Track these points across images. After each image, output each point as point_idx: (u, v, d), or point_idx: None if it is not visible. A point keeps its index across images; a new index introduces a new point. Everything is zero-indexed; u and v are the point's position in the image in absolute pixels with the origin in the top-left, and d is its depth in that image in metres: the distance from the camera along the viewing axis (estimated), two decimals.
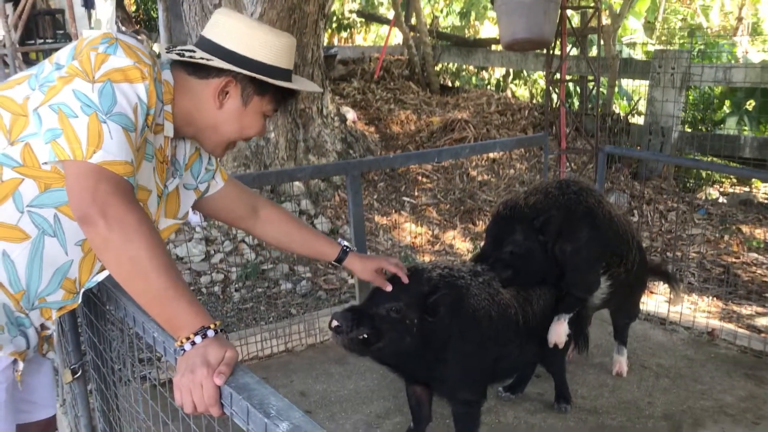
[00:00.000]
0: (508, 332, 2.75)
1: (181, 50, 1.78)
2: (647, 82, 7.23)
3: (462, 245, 5.88)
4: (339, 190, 6.40)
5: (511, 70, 9.35)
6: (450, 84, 9.30)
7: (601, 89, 8.01)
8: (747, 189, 7.03)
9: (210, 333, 1.51)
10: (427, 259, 5.58)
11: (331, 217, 6.12)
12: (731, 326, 4.11)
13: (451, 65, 9.69)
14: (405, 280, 2.43)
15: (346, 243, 2.34)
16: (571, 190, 3.01)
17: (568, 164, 6.33)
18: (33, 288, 1.70)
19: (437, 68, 9.26)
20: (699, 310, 4.44)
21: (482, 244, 3.07)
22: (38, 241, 1.66)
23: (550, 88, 6.30)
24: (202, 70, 1.76)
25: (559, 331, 2.98)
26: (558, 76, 6.27)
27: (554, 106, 6.57)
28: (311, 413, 3.18)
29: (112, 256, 1.49)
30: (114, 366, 2.30)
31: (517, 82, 9.48)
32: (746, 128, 7.74)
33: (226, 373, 1.44)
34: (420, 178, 6.85)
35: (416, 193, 6.74)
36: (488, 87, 9.52)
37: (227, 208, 2.17)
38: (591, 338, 3.69)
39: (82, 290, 1.83)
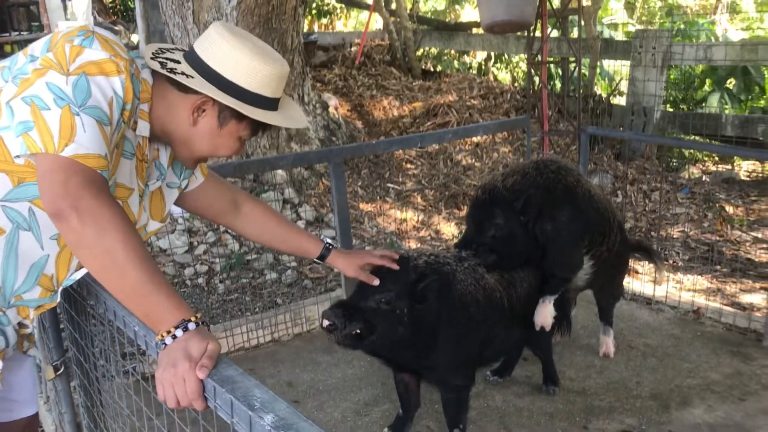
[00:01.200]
0: (495, 315, 2.75)
1: (165, 59, 1.72)
2: (628, 63, 7.23)
3: (448, 230, 5.86)
4: (323, 178, 6.35)
5: (492, 54, 9.32)
6: (432, 69, 9.26)
7: (582, 70, 8.00)
8: (729, 167, 7.07)
9: (191, 326, 1.48)
10: (413, 245, 5.56)
11: (316, 206, 6.08)
12: (716, 304, 4.13)
13: (432, 50, 9.64)
14: (394, 267, 2.41)
15: (328, 240, 2.32)
16: (549, 169, 3.00)
17: (551, 146, 6.32)
18: (9, 285, 1.66)
19: (418, 53, 9.20)
20: (684, 289, 4.45)
21: (464, 229, 3.05)
22: (13, 235, 1.63)
23: (532, 71, 6.27)
24: (182, 85, 1.69)
25: (544, 313, 2.98)
26: (539, 58, 6.25)
27: (536, 88, 6.56)
28: (299, 403, 3.16)
29: (87, 251, 1.46)
30: (97, 361, 2.27)
31: (498, 65, 9.45)
32: (727, 106, 7.77)
33: (208, 366, 1.42)
34: (404, 164, 6.82)
35: (401, 179, 6.71)
36: (470, 71, 9.48)
37: (207, 203, 2.13)
38: (578, 319, 3.72)
39: (61, 288, 1.79)
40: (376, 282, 2.38)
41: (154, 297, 1.48)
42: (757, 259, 5.15)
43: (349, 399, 3.21)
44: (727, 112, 7.58)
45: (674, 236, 5.63)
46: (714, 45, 6.73)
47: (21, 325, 1.77)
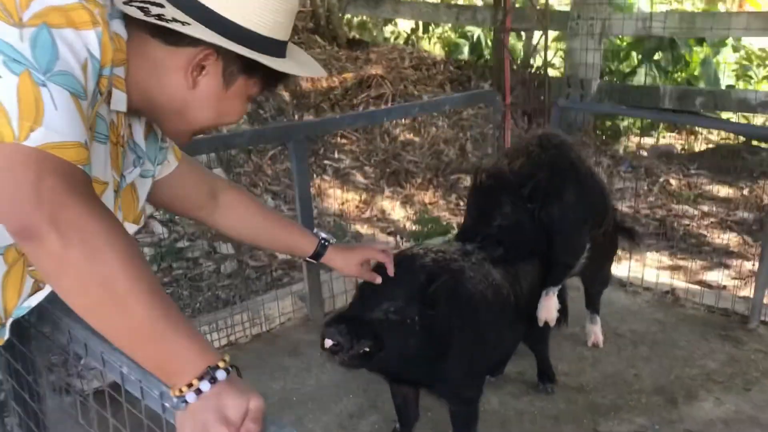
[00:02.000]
0: (504, 315, 2.44)
1: (144, 3, 1.22)
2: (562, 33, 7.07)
3: (394, 210, 5.51)
4: (252, 155, 5.86)
5: (420, 23, 8.97)
6: (357, 38, 8.82)
7: (517, 42, 7.79)
8: (666, 141, 7.05)
9: (220, 375, 1.08)
10: (360, 228, 5.19)
11: (247, 185, 5.59)
12: (690, 285, 3.98)
13: (357, 18, 9.19)
14: (391, 272, 2.03)
15: (324, 234, 1.90)
16: (551, 144, 2.73)
17: (513, 122, 6.06)
18: None
19: (344, 20, 8.74)
20: (649, 267, 4.28)
21: (464, 218, 2.71)
22: None
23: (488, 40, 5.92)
24: (171, 34, 1.22)
25: (549, 307, 2.71)
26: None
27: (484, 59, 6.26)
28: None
29: (72, 281, 1.02)
30: (43, 397, 1.81)
31: (425, 35, 9.11)
32: (656, 80, 7.75)
33: None
34: (339, 139, 6.40)
35: (337, 156, 6.29)
36: (397, 41, 9.11)
37: (181, 195, 1.66)
38: None
39: (10, 321, 1.32)
40: (379, 280, 2.00)
41: (169, 339, 1.07)
42: (708, 234, 5.09)
43: (330, 411, 2.82)
44: (664, 84, 7.55)
45: (623, 212, 5.51)
46: (653, 16, 6.62)
47: None
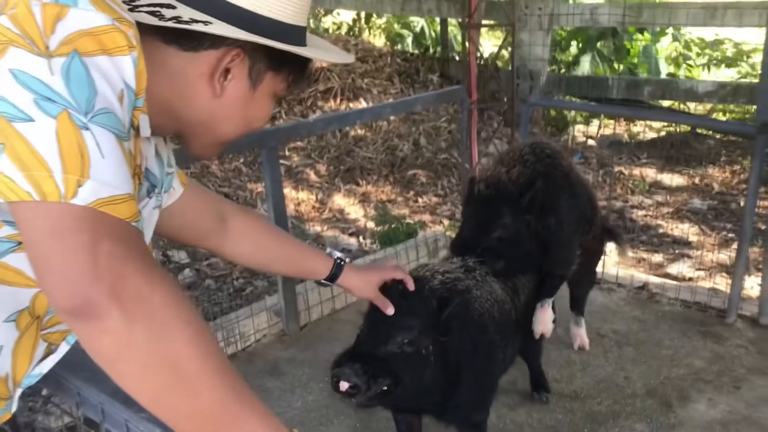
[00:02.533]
0: (508, 331, 2.34)
1: (152, 6, 1.03)
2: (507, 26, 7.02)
3: (352, 209, 5.36)
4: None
5: (363, 14, 8.79)
6: None
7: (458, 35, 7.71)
8: (614, 131, 7.12)
9: None
10: (318, 227, 5.02)
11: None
12: (667, 281, 3.98)
13: None
14: (411, 287, 1.89)
15: (339, 254, 1.75)
16: (544, 153, 2.64)
17: (479, 120, 5.96)
18: None
19: None
20: (618, 266, 4.28)
21: (460, 228, 2.59)
22: None
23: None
24: (188, 38, 1.05)
25: (544, 319, 2.64)
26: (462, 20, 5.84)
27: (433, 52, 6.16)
28: None
29: (135, 363, 0.86)
30: None
31: (367, 26, 8.94)
32: (599, 69, 7.83)
33: None
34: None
35: (287, 153, 6.08)
36: (339, 32, 8.91)
37: (188, 224, 1.49)
38: None
39: (18, 393, 1.13)
40: (392, 310, 1.84)
41: (241, 421, 0.93)
42: (665, 225, 5.14)
43: None
44: (599, 72, 7.63)
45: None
46: (599, 6, 6.65)
47: None
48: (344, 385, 1.77)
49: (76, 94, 0.84)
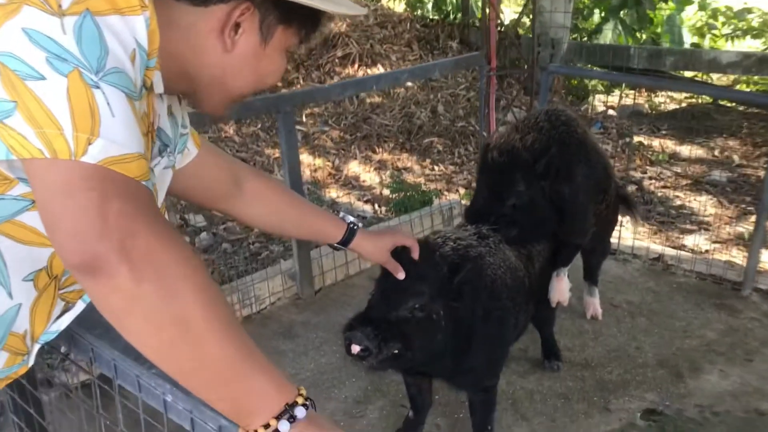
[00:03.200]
0: (521, 298, 2.34)
1: None
2: None
3: (368, 176, 5.36)
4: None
5: None
6: None
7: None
8: (635, 101, 7.03)
9: (299, 412, 0.96)
10: (334, 193, 5.03)
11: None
12: (683, 253, 3.97)
13: None
14: (416, 254, 1.90)
15: (351, 219, 1.75)
16: (560, 120, 2.60)
17: (498, 86, 5.91)
18: None
19: None
20: (634, 237, 4.26)
21: (474, 196, 2.58)
22: None
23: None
24: None
25: (561, 288, 2.64)
26: None
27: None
28: None
29: (143, 319, 0.87)
30: (43, 404, 1.68)
31: None
32: (621, 38, 7.71)
33: None
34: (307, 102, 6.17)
35: (304, 119, 6.08)
36: None
37: (203, 185, 1.49)
38: None
39: (36, 348, 1.15)
40: (402, 275, 1.86)
41: (246, 379, 0.95)
42: (684, 197, 5.10)
43: (334, 397, 2.71)
44: (621, 41, 7.51)
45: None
46: None
47: None
48: (355, 348, 1.79)
49: (88, 53, 0.84)
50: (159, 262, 0.85)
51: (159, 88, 1.09)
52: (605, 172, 2.83)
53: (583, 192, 2.60)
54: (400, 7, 8.42)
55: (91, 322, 1.31)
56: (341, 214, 1.78)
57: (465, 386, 2.27)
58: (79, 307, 1.19)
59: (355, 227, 1.74)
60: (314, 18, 1.18)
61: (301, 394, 0.98)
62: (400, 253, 1.85)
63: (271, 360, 2.60)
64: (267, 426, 0.94)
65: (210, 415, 1.04)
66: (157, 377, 1.15)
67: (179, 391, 1.09)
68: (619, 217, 3.51)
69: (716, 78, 7.15)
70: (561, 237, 2.61)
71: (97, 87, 0.84)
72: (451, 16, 7.81)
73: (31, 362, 1.17)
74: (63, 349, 1.40)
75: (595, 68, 6.74)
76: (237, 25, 1.09)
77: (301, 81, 6.51)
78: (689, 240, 4.38)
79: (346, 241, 1.73)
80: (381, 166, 5.55)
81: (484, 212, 2.42)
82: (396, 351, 1.85)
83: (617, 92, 7.19)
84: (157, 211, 0.91)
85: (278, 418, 0.94)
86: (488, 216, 2.39)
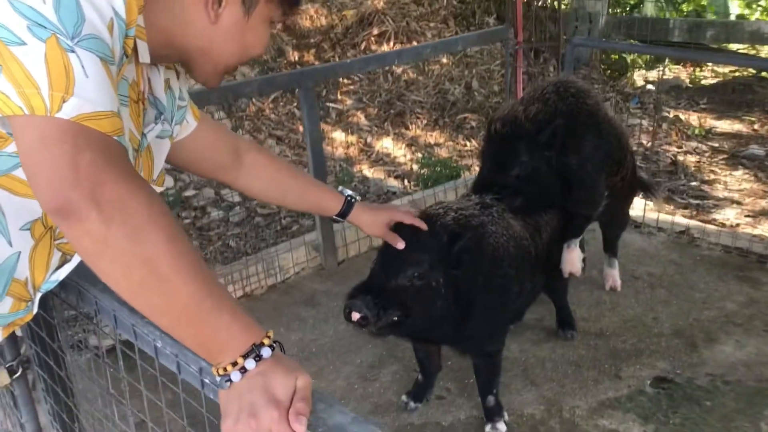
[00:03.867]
0: (525, 267, 2.39)
1: None
2: None
3: (399, 152, 5.42)
4: (253, 99, 5.72)
5: None
6: None
7: None
8: (674, 75, 6.90)
9: (265, 352, 1.04)
10: (365, 170, 5.11)
11: (251, 130, 5.48)
12: (709, 226, 3.93)
13: None
14: (424, 226, 1.97)
15: (349, 192, 1.84)
16: (569, 92, 2.62)
17: (524, 60, 5.89)
18: None
19: None
20: (662, 211, 4.23)
21: (479, 168, 2.63)
22: None
23: None
24: None
25: (572, 259, 2.68)
26: None
27: None
28: None
29: (113, 261, 0.96)
30: (65, 358, 1.79)
31: None
32: (663, 12, 7.54)
33: (305, 413, 0.99)
34: (341, 80, 6.25)
35: (339, 97, 6.16)
36: None
37: (202, 156, 1.59)
38: None
39: (39, 296, 1.27)
40: (402, 245, 1.93)
41: (213, 318, 1.02)
42: (719, 171, 5.02)
43: (350, 362, 2.81)
44: (662, 15, 7.35)
45: (633, 149, 5.43)
46: None
47: None
48: (355, 316, 1.88)
49: (65, 20, 0.94)
50: (127, 208, 0.94)
51: (145, 57, 1.18)
52: (618, 143, 2.83)
53: (592, 163, 2.62)
54: None
55: (95, 277, 1.44)
56: (340, 188, 1.86)
57: (468, 351, 2.35)
58: (76, 259, 1.29)
59: (353, 200, 1.82)
60: None
61: (268, 336, 1.06)
62: (400, 224, 1.92)
63: (289, 326, 2.76)
64: (235, 363, 1.03)
65: (192, 358, 1.14)
66: (149, 325, 1.26)
67: (167, 338, 1.19)
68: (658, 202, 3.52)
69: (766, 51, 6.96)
70: (570, 208, 2.64)
71: (72, 51, 0.94)
72: None
73: (35, 310, 1.29)
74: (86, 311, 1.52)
75: (633, 42, 6.64)
76: None
77: (337, 59, 6.58)
78: (720, 214, 4.33)
79: (344, 213, 1.82)
80: (413, 142, 5.60)
81: (489, 183, 2.47)
82: (395, 318, 1.93)
83: (660, 67, 7.06)
84: (127, 162, 1.00)
85: (245, 356, 1.03)
86: (492, 186, 2.45)
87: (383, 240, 1.99)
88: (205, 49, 1.24)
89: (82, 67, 0.94)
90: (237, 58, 1.29)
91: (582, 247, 2.91)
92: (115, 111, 0.99)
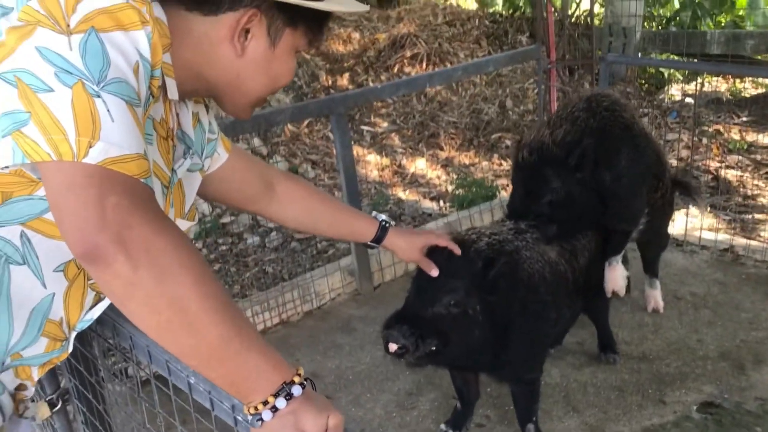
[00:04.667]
0: (562, 292, 2.34)
1: None
2: None
3: (434, 174, 5.41)
4: (288, 124, 5.77)
5: None
6: None
7: None
8: (713, 88, 6.77)
9: (296, 390, 1.04)
10: (400, 192, 5.11)
11: (286, 155, 5.53)
12: (749, 241, 3.83)
13: None
14: (457, 251, 1.94)
15: (383, 217, 1.81)
16: (602, 106, 2.55)
17: (558, 78, 5.86)
18: (1, 341, 1.17)
19: None
20: (705, 228, 4.13)
21: (511, 194, 2.59)
22: (1, 273, 1.13)
23: None
24: (208, 3, 1.15)
25: (615, 277, 2.61)
26: None
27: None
28: (331, 398, 2.72)
29: (142, 303, 0.97)
30: (103, 392, 1.80)
31: None
32: (701, 22, 7.43)
33: None
34: (375, 103, 6.27)
35: (373, 120, 6.19)
36: None
37: (235, 188, 1.60)
38: None
39: (74, 335, 1.28)
40: (436, 272, 1.90)
41: (242, 357, 1.02)
42: (764, 186, 4.90)
43: (387, 389, 2.79)
44: (702, 28, 7.24)
45: (673, 165, 5.33)
46: None
47: (20, 387, 1.27)
48: (393, 347, 1.86)
49: (91, 65, 0.95)
50: (153, 250, 0.94)
51: (173, 94, 1.19)
52: (657, 158, 2.77)
53: (630, 177, 2.55)
54: (473, 5, 8.41)
55: None
56: (373, 213, 1.85)
57: (505, 379, 2.31)
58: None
59: (387, 225, 1.81)
60: (319, 19, 1.27)
61: (298, 374, 1.05)
62: (434, 250, 1.90)
63: (326, 354, 2.75)
64: (266, 402, 1.02)
65: (225, 396, 1.13)
66: (179, 363, 1.26)
67: (200, 375, 1.19)
68: (684, 207, 3.43)
69: None
70: (608, 224, 2.58)
71: (98, 96, 0.95)
72: (521, 11, 7.74)
73: (70, 348, 1.30)
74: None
75: (672, 56, 6.54)
76: (246, 31, 1.19)
77: (371, 83, 6.62)
78: (765, 231, 4.21)
79: (378, 239, 1.80)
80: (448, 163, 5.58)
81: (522, 210, 2.42)
82: (433, 348, 1.91)
83: (699, 79, 6.93)
84: (155, 205, 1.01)
85: (276, 395, 1.02)
86: (526, 214, 2.40)
87: (417, 267, 1.98)
88: (233, 83, 1.25)
89: (108, 111, 0.95)
90: (265, 89, 1.30)
91: (626, 264, 2.86)
92: (142, 153, 0.99)
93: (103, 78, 0.96)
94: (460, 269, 1.97)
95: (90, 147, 0.93)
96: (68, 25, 0.96)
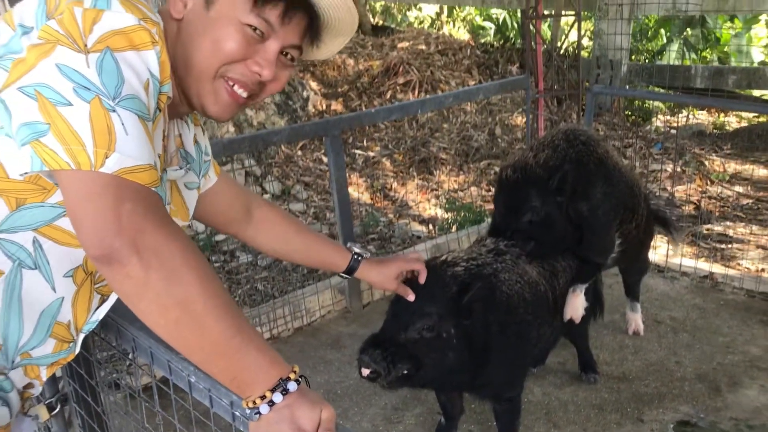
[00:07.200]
0: (542, 312, 2.42)
1: None
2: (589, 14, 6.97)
3: (424, 198, 5.52)
4: (282, 146, 5.88)
5: (444, 7, 8.91)
6: (382, 23, 8.78)
7: (546, 25, 7.72)
8: (697, 120, 6.96)
9: (291, 386, 1.11)
10: (390, 215, 5.21)
11: (279, 177, 5.63)
12: (732, 271, 3.95)
13: (379, 3, 9.15)
14: (424, 276, 1.97)
15: (357, 249, 1.84)
16: (579, 140, 2.64)
17: (546, 108, 6.02)
18: (12, 340, 1.24)
19: (367, 7, 8.71)
20: (685, 255, 4.25)
21: (493, 214, 2.69)
22: (14, 277, 1.20)
23: (530, 26, 5.83)
24: None
25: (575, 305, 2.66)
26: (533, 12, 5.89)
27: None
28: None
29: (152, 302, 1.05)
30: (101, 394, 1.87)
31: (450, 19, 9.05)
32: (687, 58, 7.65)
33: None
34: (368, 128, 6.40)
35: (366, 144, 6.31)
36: (422, 26, 9.06)
37: (218, 210, 1.67)
38: None
39: (81, 337, 1.36)
40: (412, 297, 1.95)
41: (243, 354, 1.10)
42: (744, 216, 5.03)
43: (374, 404, 2.86)
44: (687, 63, 7.45)
45: (657, 194, 5.46)
46: None
47: (28, 385, 1.35)
48: (365, 371, 1.92)
49: (107, 82, 1.04)
50: (164, 253, 1.03)
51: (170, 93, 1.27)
52: (630, 191, 2.85)
53: (603, 211, 2.62)
54: (464, 35, 8.60)
55: (132, 316, 1.52)
56: (348, 244, 1.86)
57: (486, 397, 2.38)
58: (113, 298, 1.38)
59: (360, 257, 1.82)
60: None
61: (294, 371, 1.14)
62: (410, 277, 1.96)
63: (315, 368, 2.82)
64: (263, 397, 1.10)
65: (224, 393, 1.21)
66: (184, 361, 1.34)
67: (201, 374, 1.27)
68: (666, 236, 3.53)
69: None
70: (581, 254, 2.66)
71: (114, 111, 1.04)
72: (511, 42, 7.93)
73: (77, 350, 1.37)
74: (130, 355, 1.60)
75: (657, 89, 6.72)
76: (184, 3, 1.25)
77: (364, 108, 6.75)
78: (743, 259, 4.33)
79: (350, 271, 1.83)
80: (438, 187, 5.70)
81: (502, 228, 2.51)
82: (405, 372, 1.95)
83: (684, 112, 7.12)
84: (164, 211, 1.10)
85: (273, 390, 1.10)
86: (506, 232, 2.48)
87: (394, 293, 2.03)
88: (186, 60, 1.26)
89: (123, 125, 1.04)
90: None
91: (599, 293, 2.95)
92: (152, 164, 1.08)
93: (118, 94, 1.05)
94: (436, 294, 2.01)
95: (106, 158, 1.01)
96: (86, 45, 1.05)
